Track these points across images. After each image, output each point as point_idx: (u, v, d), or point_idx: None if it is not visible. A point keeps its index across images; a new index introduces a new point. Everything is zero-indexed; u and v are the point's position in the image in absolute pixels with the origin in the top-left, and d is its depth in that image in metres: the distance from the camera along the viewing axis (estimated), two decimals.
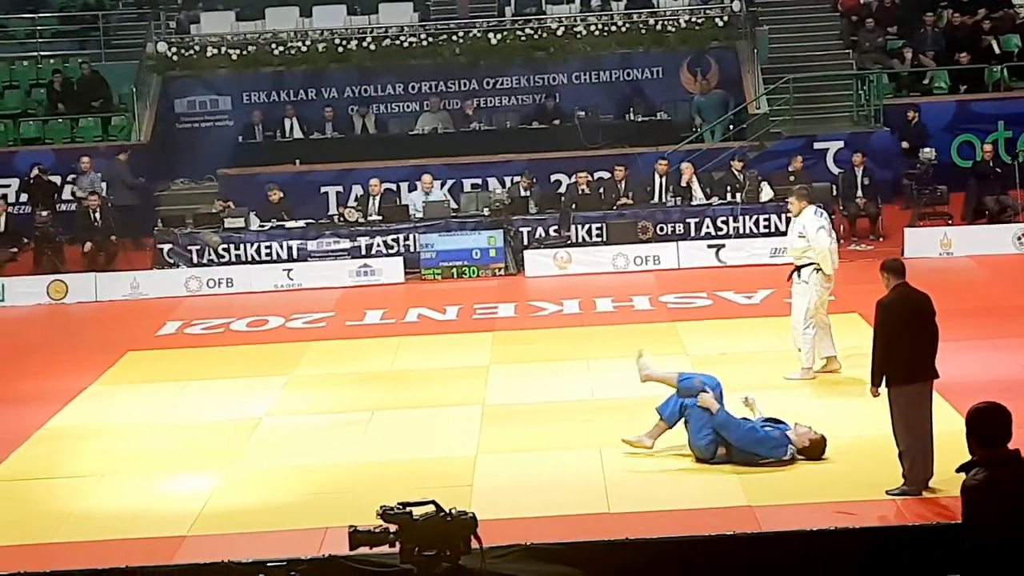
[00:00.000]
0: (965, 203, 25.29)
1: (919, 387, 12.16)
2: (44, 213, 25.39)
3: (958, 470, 7.36)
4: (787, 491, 12.53)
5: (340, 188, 27.37)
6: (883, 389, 12.32)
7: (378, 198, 25.30)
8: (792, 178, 24.80)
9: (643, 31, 29.27)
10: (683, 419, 13.48)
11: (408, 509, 7.38)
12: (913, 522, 11.19)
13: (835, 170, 26.49)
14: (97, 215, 25.40)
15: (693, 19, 29.30)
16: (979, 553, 7.19)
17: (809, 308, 15.91)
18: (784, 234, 23.61)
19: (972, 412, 7.31)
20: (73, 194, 27.24)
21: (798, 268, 16.15)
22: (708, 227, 24.32)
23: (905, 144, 26.80)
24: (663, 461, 13.50)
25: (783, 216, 24.11)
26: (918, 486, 12.04)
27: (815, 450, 13.25)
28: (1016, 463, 7.22)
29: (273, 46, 29.33)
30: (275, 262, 24.21)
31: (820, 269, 15.97)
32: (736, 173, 25.00)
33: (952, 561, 7.71)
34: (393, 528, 7.37)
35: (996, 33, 29.54)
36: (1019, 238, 23.32)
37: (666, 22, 29.26)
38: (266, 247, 24.43)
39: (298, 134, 28.80)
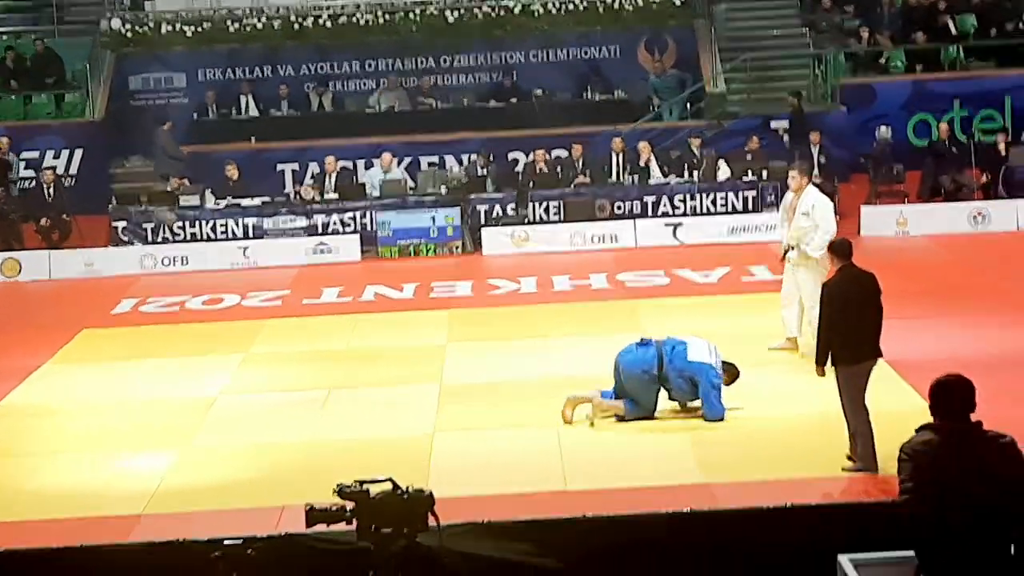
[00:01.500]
0: (921, 182, 25.41)
1: (866, 366, 12.20)
2: None
3: (916, 430, 7.36)
4: (744, 469, 12.55)
5: (296, 166, 27.29)
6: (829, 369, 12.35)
7: (334, 176, 25.22)
8: (749, 157, 24.90)
9: (600, 10, 29.24)
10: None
11: (365, 487, 7.36)
12: (869, 499, 11.22)
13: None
14: (51, 191, 25.21)
15: None
16: (911, 518, 7.22)
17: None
18: (741, 212, 23.88)
19: (934, 385, 7.33)
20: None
21: (791, 248, 15.80)
22: (665, 205, 24.34)
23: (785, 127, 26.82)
24: (620, 439, 13.51)
25: (740, 195, 24.23)
26: (871, 464, 12.09)
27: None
28: (969, 436, 7.23)
29: (228, 23, 29.15)
30: (231, 240, 24.12)
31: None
32: (694, 151, 25.04)
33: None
34: (350, 506, 7.35)
35: (952, 13, 29.66)
36: (974, 217, 23.45)
37: (624, 1, 29.21)
38: (222, 225, 24.32)
39: (254, 112, 28.67)
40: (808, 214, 15.60)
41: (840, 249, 12.57)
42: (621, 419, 13.88)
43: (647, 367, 13.67)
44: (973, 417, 7.32)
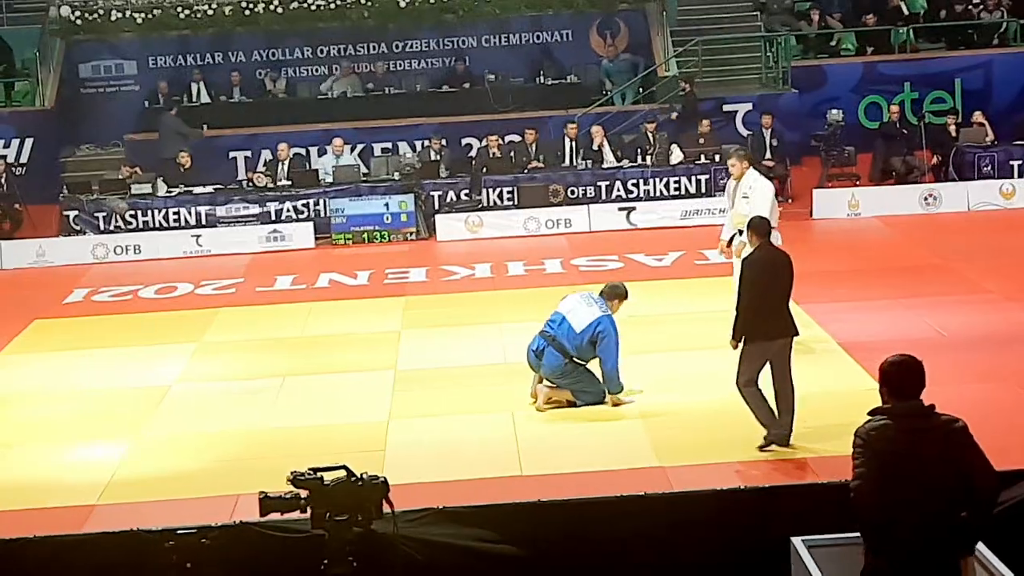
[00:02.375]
0: (872, 164, 25.55)
1: (779, 343, 12.32)
2: None
3: (869, 414, 7.40)
4: (697, 452, 12.61)
5: (249, 153, 27.12)
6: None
7: (287, 163, 25.13)
8: (701, 140, 24.95)
9: None
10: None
11: (319, 475, 7.37)
12: (821, 481, 11.28)
13: (744, 132, 26.63)
14: (1, 180, 25.04)
15: None
16: (860, 503, 7.27)
17: None
18: (694, 196, 23.95)
19: (884, 365, 7.38)
20: None
21: (740, 232, 15.83)
22: (619, 190, 24.37)
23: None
24: (574, 423, 13.54)
25: (693, 178, 24.29)
26: (782, 435, 12.32)
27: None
28: (923, 419, 7.28)
29: (179, 9, 28.93)
30: (183, 228, 23.98)
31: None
32: (649, 135, 25.08)
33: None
34: (304, 494, 7.36)
35: None
36: (925, 198, 23.59)
37: None
38: (174, 213, 24.21)
39: (205, 99, 28.51)
40: (747, 197, 15.56)
41: (758, 227, 12.65)
42: (573, 404, 13.93)
43: (558, 364, 13.79)
44: (925, 399, 7.37)
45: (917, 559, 7.18)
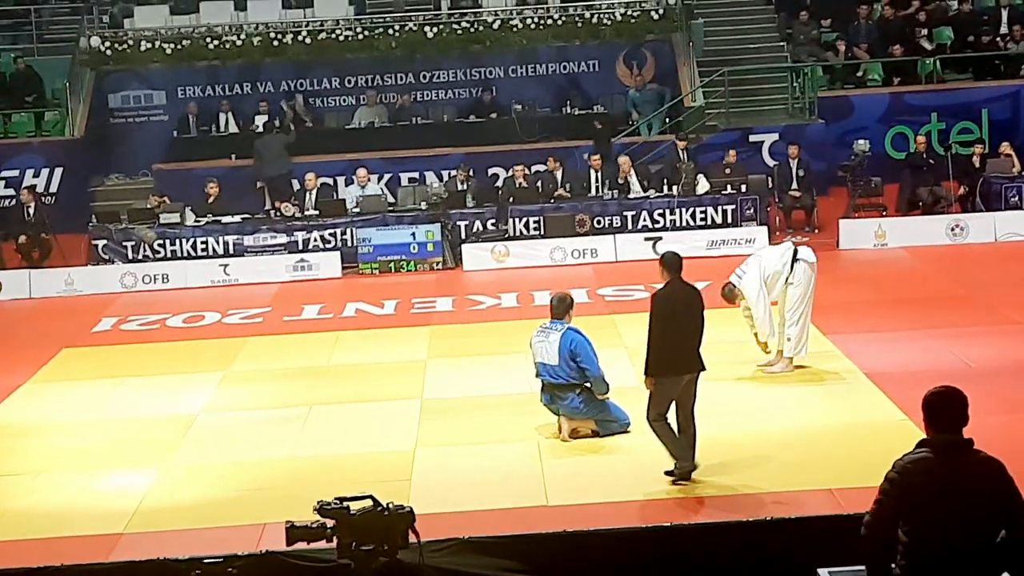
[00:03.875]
0: (899, 194, 25.50)
1: (684, 379, 12.40)
2: None
3: (916, 445, 7.37)
4: (724, 483, 12.58)
5: (264, 183, 27.21)
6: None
7: (314, 192, 25.23)
8: (728, 170, 24.96)
9: (579, 24, 29.28)
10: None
11: (345, 504, 7.36)
12: (850, 512, 11.24)
13: (770, 162, 26.66)
14: (31, 210, 25.20)
15: (629, 12, 29.33)
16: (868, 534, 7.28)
17: (804, 300, 15.78)
18: (720, 226, 23.94)
19: (927, 395, 7.34)
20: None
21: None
22: (645, 219, 24.39)
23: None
24: (600, 452, 13.53)
25: (719, 208, 24.31)
26: (686, 467, 12.43)
27: None
28: (958, 450, 7.25)
29: (208, 40, 29.14)
30: (211, 257, 24.09)
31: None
32: (680, 152, 25.08)
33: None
34: (330, 523, 7.35)
35: (929, 26, 29.81)
36: (952, 229, 23.54)
37: (602, 15, 29.27)
38: (202, 242, 24.31)
39: (233, 128, 28.65)
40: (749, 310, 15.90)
41: (668, 263, 12.75)
42: (597, 434, 13.94)
43: (572, 402, 13.87)
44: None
45: None
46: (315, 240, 24.25)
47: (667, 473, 12.50)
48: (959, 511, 7.10)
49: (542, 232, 24.30)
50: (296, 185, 26.40)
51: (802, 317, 15.78)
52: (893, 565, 7.18)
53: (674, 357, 12.36)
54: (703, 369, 12.47)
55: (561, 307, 14.19)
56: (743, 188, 24.21)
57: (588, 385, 13.83)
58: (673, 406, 12.44)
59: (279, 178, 26.05)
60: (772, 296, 15.79)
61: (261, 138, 27.11)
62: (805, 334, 15.86)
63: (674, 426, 12.48)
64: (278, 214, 24.88)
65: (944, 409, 7.27)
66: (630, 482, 12.76)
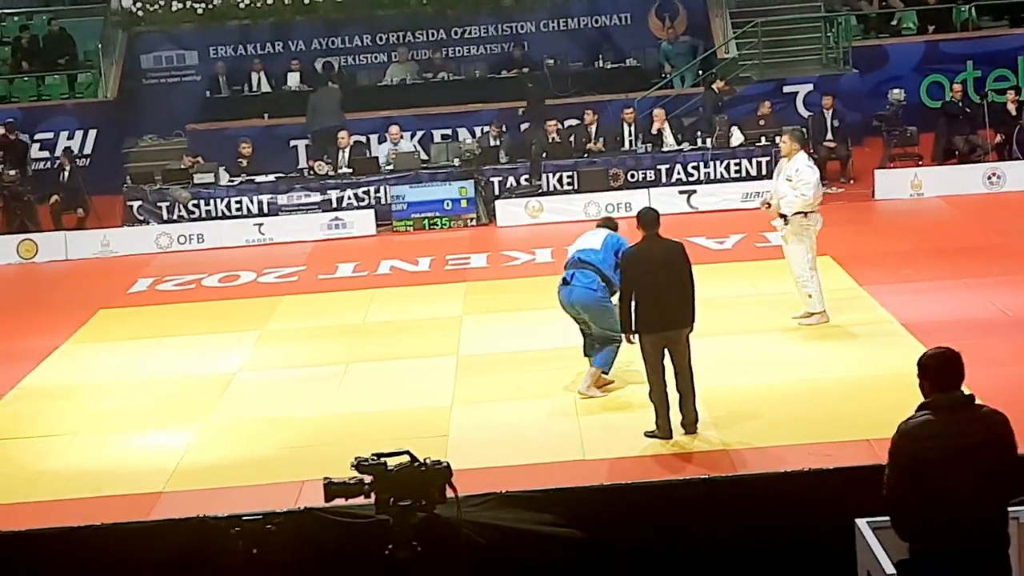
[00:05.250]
0: (935, 144, 25.32)
1: (667, 336, 12.40)
2: (13, 172, 25.18)
3: (917, 409, 7.40)
4: (762, 435, 12.57)
5: (310, 140, 27.23)
6: None
7: (347, 150, 25.20)
8: (761, 122, 24.84)
9: None
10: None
11: (382, 460, 7.36)
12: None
13: (805, 113, 26.49)
14: (67, 173, 25.27)
15: None
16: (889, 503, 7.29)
17: (809, 256, 15.68)
18: (755, 178, 23.80)
19: (923, 358, 7.38)
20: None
21: (782, 215, 15.72)
22: (679, 173, 24.29)
23: None
24: (636, 410, 13.49)
25: (753, 160, 24.19)
26: (664, 433, 12.46)
27: None
28: (962, 407, 7.27)
29: None
30: (246, 217, 24.12)
31: (803, 212, 15.63)
32: (715, 89, 25.00)
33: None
34: (368, 479, 7.36)
35: None
36: (988, 178, 23.37)
37: None
38: (236, 202, 24.35)
39: (266, 87, 28.62)
40: (791, 179, 15.52)
41: (642, 219, 12.76)
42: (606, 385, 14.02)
43: (591, 283, 13.80)
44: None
45: (965, 549, 7.19)
46: (349, 198, 24.24)
47: (647, 434, 12.59)
48: (969, 469, 7.13)
49: (576, 187, 24.24)
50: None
51: (814, 272, 15.68)
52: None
53: (649, 316, 12.35)
54: (688, 325, 12.43)
55: (610, 223, 14.42)
56: (777, 140, 24.04)
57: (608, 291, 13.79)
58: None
59: (328, 133, 25.97)
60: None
61: (316, 92, 27.10)
62: (821, 287, 15.79)
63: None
64: (311, 173, 24.87)
65: (940, 368, 7.31)
66: None
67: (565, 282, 14.00)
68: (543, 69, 28.27)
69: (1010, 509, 7.44)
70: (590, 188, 23.92)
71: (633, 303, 12.44)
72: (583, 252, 13.96)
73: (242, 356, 16.52)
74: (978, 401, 7.36)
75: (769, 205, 15.82)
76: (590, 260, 13.84)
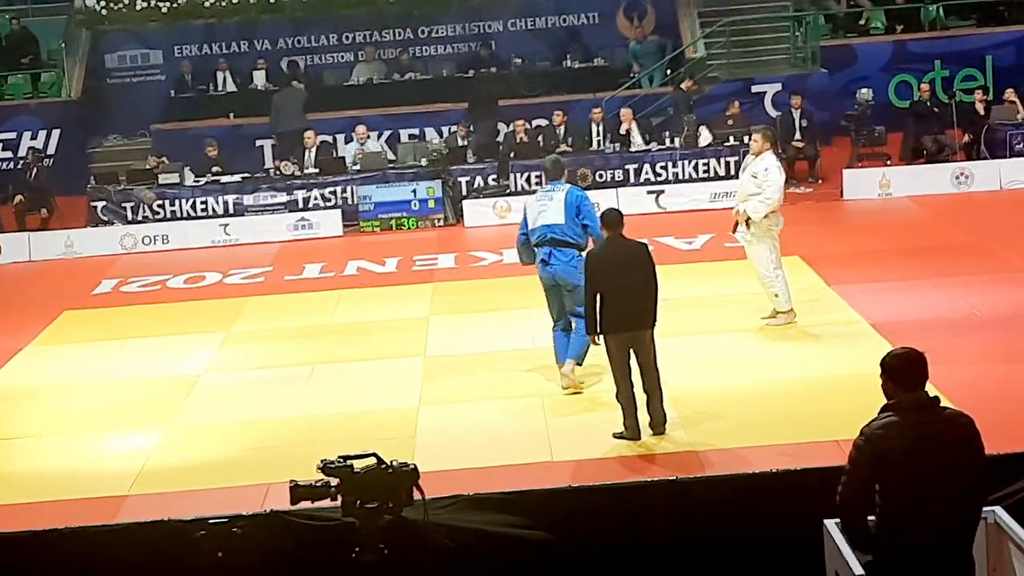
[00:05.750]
0: (903, 143, 25.36)
1: (630, 336, 12.37)
2: None
3: (880, 410, 7.37)
4: (730, 435, 12.53)
5: (275, 141, 27.11)
6: None
7: (314, 150, 25.09)
8: (730, 122, 24.83)
9: None
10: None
11: (349, 462, 7.32)
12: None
13: (773, 113, 26.49)
14: (33, 173, 25.11)
15: None
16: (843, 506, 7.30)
17: (772, 255, 15.64)
18: (723, 178, 23.79)
19: (887, 359, 7.34)
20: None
21: (747, 223, 15.59)
22: (647, 173, 24.26)
23: None
24: (605, 410, 13.43)
25: (722, 160, 24.17)
26: (632, 433, 12.43)
27: None
28: (926, 408, 7.22)
29: None
30: (211, 217, 23.98)
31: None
32: (688, 100, 24.96)
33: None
34: (334, 482, 7.31)
35: None
36: (957, 177, 23.41)
37: None
38: (202, 202, 24.21)
39: (231, 87, 28.49)
40: (756, 177, 15.47)
41: (606, 219, 12.77)
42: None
43: (571, 259, 13.78)
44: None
45: (933, 550, 7.16)
46: (315, 198, 24.13)
47: (615, 435, 12.55)
48: (933, 470, 7.10)
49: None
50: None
51: (779, 271, 15.66)
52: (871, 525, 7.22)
53: (613, 316, 12.32)
54: (649, 326, 12.38)
55: (556, 168, 14.34)
56: (746, 139, 24.03)
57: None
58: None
59: (292, 134, 25.89)
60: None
61: (279, 93, 27.01)
62: (787, 286, 15.75)
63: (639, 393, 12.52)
64: (278, 173, 24.76)
65: (905, 369, 7.27)
66: None
67: (544, 262, 13.94)
68: (510, 68, 28.23)
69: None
70: None
71: (598, 304, 12.39)
72: (551, 228, 13.87)
73: (208, 357, 16.41)
74: (943, 403, 7.33)
75: (737, 224, 15.77)
76: (562, 236, 13.81)
